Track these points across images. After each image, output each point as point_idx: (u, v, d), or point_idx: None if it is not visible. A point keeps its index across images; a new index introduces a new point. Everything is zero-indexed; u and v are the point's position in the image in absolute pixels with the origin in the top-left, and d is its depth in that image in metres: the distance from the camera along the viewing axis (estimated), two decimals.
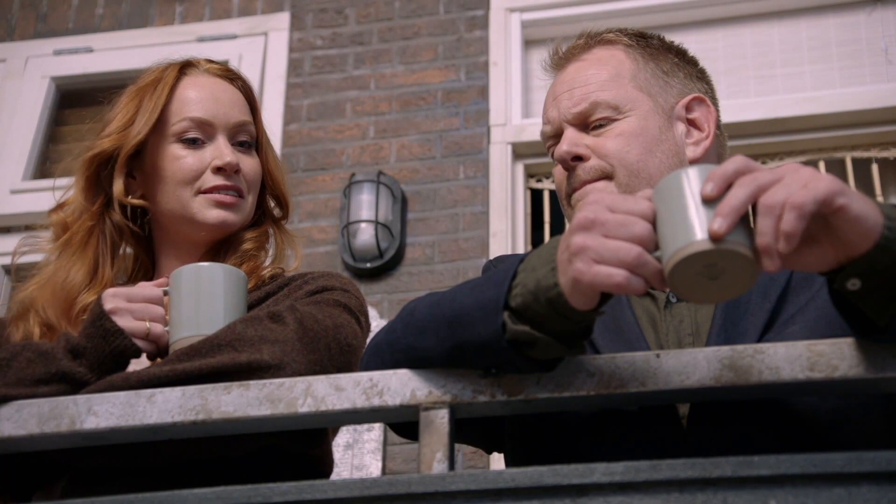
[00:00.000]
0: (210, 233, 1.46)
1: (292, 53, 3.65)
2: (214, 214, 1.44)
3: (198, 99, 1.48)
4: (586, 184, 1.30)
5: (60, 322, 1.40)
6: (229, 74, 1.54)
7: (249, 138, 1.51)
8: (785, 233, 0.87)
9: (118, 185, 1.46)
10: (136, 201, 1.47)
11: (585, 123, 1.34)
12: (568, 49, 1.40)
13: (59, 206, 1.50)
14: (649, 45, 1.39)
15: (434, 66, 3.54)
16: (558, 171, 1.36)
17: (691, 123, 1.35)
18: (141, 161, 1.48)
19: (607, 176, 1.30)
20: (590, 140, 1.32)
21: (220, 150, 1.46)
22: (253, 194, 1.50)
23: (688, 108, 1.35)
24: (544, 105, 1.40)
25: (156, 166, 1.47)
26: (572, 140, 1.32)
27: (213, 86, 1.51)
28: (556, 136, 1.37)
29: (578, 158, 1.31)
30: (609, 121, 1.32)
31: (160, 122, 1.47)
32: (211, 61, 1.55)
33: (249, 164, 1.49)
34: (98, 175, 1.47)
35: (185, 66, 1.52)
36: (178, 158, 1.46)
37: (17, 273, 1.51)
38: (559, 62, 1.41)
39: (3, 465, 1.27)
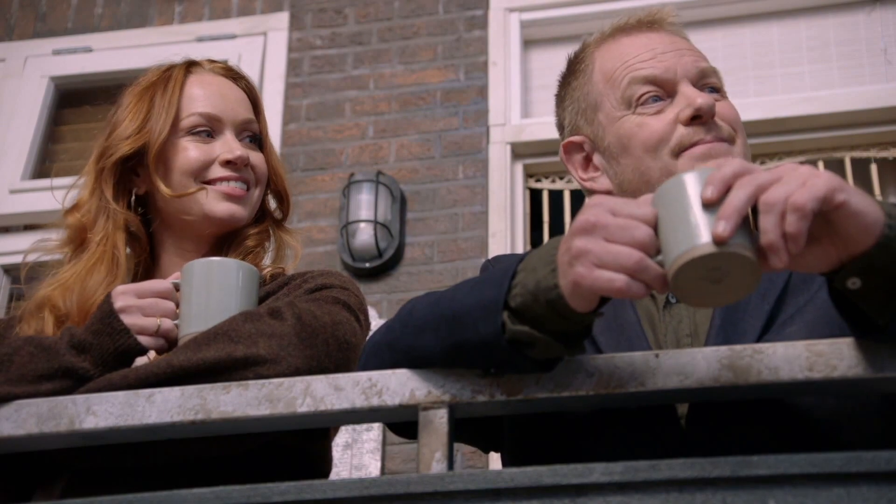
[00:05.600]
0: (218, 227, 1.47)
1: (291, 53, 3.65)
2: (223, 208, 1.46)
3: (205, 95, 1.51)
4: (719, 141, 1.25)
5: (78, 318, 1.39)
6: (233, 74, 1.58)
7: (254, 136, 1.54)
8: (790, 235, 0.87)
9: (142, 185, 1.49)
10: (141, 190, 1.49)
11: (696, 85, 1.30)
12: (667, 19, 1.35)
13: (74, 208, 1.49)
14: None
15: (433, 66, 3.54)
16: (659, 120, 1.27)
17: None
18: (143, 158, 1.48)
19: (731, 140, 1.27)
20: None
21: (230, 145, 1.48)
22: (260, 189, 1.52)
23: None
24: (630, 49, 1.32)
25: (163, 161, 1.47)
26: (704, 94, 1.27)
27: (219, 84, 1.54)
28: (655, 83, 1.29)
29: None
30: (718, 90, 1.31)
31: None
32: (214, 61, 1.58)
33: (257, 158, 1.52)
34: (119, 177, 1.48)
35: (190, 65, 1.55)
36: (186, 150, 1.47)
37: (28, 272, 1.50)
38: (654, 24, 1.35)
39: (2, 465, 1.27)
